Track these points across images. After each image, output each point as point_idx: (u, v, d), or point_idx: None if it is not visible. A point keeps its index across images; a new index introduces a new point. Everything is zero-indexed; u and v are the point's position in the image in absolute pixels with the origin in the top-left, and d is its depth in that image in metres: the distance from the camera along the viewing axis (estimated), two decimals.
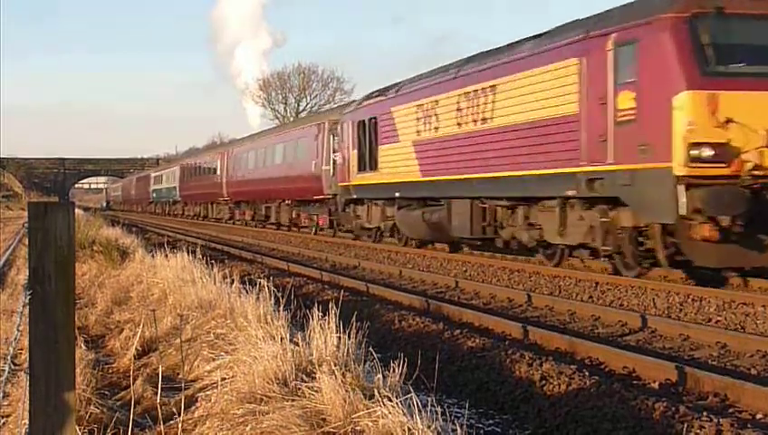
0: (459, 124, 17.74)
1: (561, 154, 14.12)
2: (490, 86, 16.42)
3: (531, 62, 15.25)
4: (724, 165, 11.62)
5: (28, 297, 3.05)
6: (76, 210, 4.48)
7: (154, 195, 71.47)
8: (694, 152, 11.54)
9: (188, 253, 11.51)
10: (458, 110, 17.72)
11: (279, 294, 6.93)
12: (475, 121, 17.07)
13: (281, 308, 6.59)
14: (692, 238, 11.69)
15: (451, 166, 18.06)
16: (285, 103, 77.38)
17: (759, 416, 5.94)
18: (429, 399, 4.28)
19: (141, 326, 7.60)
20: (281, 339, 5.65)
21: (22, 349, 5.07)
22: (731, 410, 6.07)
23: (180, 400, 4.91)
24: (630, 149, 12.54)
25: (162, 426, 4.71)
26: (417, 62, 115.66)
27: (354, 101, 30.16)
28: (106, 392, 5.98)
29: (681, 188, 11.58)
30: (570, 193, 14.02)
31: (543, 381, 6.70)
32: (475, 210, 17.47)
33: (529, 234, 15.75)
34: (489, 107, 16.47)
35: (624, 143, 12.68)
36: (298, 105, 76.40)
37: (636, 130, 12.45)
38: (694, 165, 11.58)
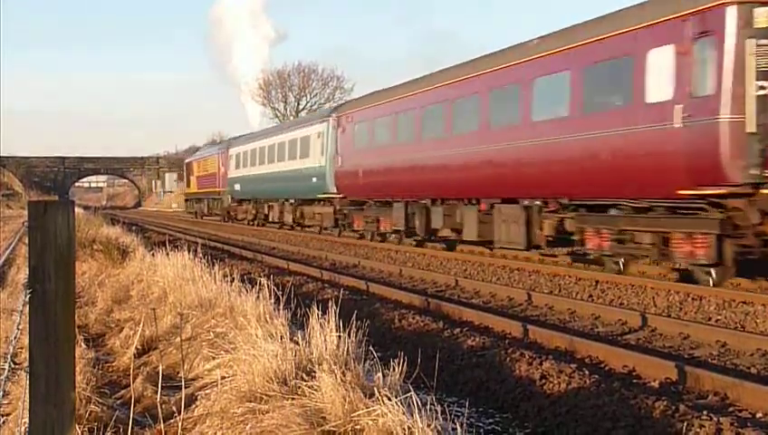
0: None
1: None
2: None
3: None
4: None
5: (28, 296, 3.04)
6: (76, 209, 4.48)
7: None
8: None
9: (189, 251, 11.50)
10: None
11: (279, 293, 6.93)
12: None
13: (281, 307, 6.59)
14: None
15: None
16: (285, 102, 77.43)
17: (759, 415, 5.94)
18: (429, 397, 4.27)
19: (141, 325, 7.59)
20: (281, 338, 5.64)
21: (22, 348, 5.06)
22: (731, 409, 6.07)
23: (180, 398, 4.91)
24: None
25: (162, 425, 4.71)
26: (417, 61, 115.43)
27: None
28: (106, 391, 5.97)
29: None
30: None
31: (543, 380, 6.70)
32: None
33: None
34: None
35: None
36: (298, 104, 76.42)
37: None
38: None
